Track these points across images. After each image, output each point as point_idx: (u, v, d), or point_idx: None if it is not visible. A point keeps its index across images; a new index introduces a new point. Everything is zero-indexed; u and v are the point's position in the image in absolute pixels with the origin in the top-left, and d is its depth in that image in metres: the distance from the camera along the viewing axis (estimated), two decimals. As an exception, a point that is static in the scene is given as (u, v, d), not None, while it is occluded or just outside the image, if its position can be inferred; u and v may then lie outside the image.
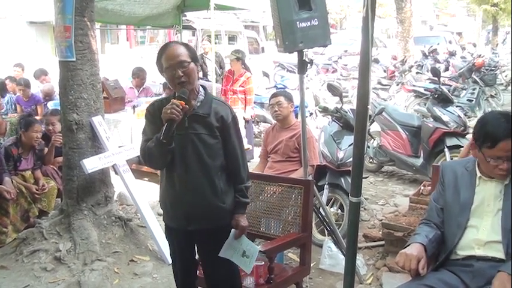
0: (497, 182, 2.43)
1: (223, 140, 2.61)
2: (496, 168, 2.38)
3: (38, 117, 7.19)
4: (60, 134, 5.02)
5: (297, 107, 4.17)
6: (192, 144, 2.53)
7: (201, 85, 2.67)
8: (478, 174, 2.49)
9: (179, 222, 2.64)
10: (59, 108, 5.68)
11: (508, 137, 2.33)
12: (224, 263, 2.65)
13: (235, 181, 2.68)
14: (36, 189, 4.73)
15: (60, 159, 4.88)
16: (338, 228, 4.12)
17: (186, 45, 2.63)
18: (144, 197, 4.60)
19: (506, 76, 14.59)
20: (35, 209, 4.73)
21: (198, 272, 2.88)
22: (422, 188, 4.42)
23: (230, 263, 2.66)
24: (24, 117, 5.27)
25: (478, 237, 2.41)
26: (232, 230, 2.68)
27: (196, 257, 2.82)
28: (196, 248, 2.77)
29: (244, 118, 7.24)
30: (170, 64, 2.51)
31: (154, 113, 2.60)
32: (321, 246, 4.22)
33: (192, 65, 2.55)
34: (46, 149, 5.16)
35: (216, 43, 10.33)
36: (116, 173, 4.53)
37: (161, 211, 5.30)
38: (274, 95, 4.40)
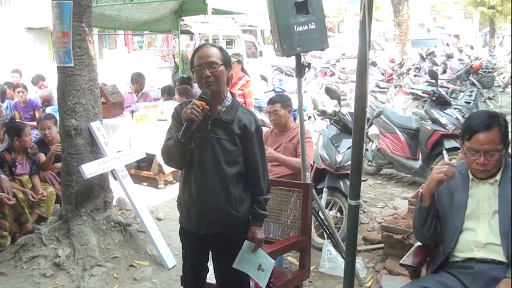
0: (489, 183, 2.45)
1: (243, 149, 2.57)
2: (473, 162, 2.40)
3: (34, 123, 7.22)
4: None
5: (295, 110, 4.17)
6: (211, 147, 2.52)
7: (229, 91, 2.64)
8: (471, 176, 2.50)
9: (192, 224, 2.63)
10: (50, 113, 5.70)
11: (484, 130, 2.36)
12: (234, 270, 2.62)
13: (254, 192, 2.64)
14: (33, 196, 4.71)
15: (59, 165, 4.87)
16: (337, 231, 4.12)
17: (221, 49, 2.61)
18: (143, 201, 4.60)
19: (503, 78, 14.61)
20: (27, 215, 4.71)
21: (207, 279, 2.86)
22: (421, 190, 4.42)
23: (240, 271, 2.64)
24: (11, 125, 5.16)
25: (477, 240, 2.42)
26: (247, 242, 2.64)
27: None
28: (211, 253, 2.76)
29: None
30: (200, 63, 2.50)
31: (181, 114, 2.55)
32: (320, 249, 4.21)
33: (222, 67, 2.52)
34: (41, 154, 5.14)
35: (214, 47, 10.31)
36: (115, 178, 4.52)
37: (160, 216, 5.38)
38: (271, 102, 4.34)
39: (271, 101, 4.35)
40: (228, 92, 2.63)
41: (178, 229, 2.80)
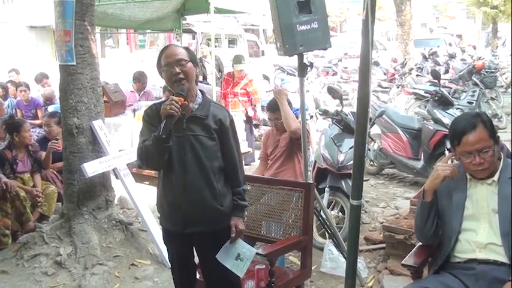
0: (487, 184, 2.45)
1: (220, 143, 2.63)
2: (470, 165, 2.40)
3: (38, 121, 7.23)
4: (56, 140, 5.02)
5: (297, 110, 4.16)
6: (190, 145, 2.55)
7: (198, 89, 2.69)
8: (468, 176, 2.50)
9: (177, 225, 2.64)
10: (57, 111, 5.69)
11: (471, 130, 2.37)
12: (223, 266, 2.64)
13: (233, 184, 2.70)
14: (37, 195, 4.71)
15: (60, 163, 4.87)
16: (339, 231, 4.11)
17: (186, 48, 2.68)
18: (145, 200, 4.59)
19: (506, 78, 14.56)
20: (29, 214, 4.71)
21: (197, 275, 2.88)
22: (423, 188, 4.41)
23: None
24: (9, 121, 5.13)
25: (478, 240, 2.42)
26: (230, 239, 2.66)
27: (196, 260, 2.82)
28: (195, 250, 2.77)
29: (252, 116, 7.32)
30: (168, 62, 2.54)
31: (152, 116, 2.63)
32: (322, 249, 4.21)
33: (190, 64, 2.58)
34: (42, 153, 5.14)
35: (216, 46, 10.35)
36: (117, 177, 4.52)
37: (162, 215, 5.34)
38: (271, 110, 4.27)
39: (272, 109, 4.26)
40: (198, 90, 2.67)
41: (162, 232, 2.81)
